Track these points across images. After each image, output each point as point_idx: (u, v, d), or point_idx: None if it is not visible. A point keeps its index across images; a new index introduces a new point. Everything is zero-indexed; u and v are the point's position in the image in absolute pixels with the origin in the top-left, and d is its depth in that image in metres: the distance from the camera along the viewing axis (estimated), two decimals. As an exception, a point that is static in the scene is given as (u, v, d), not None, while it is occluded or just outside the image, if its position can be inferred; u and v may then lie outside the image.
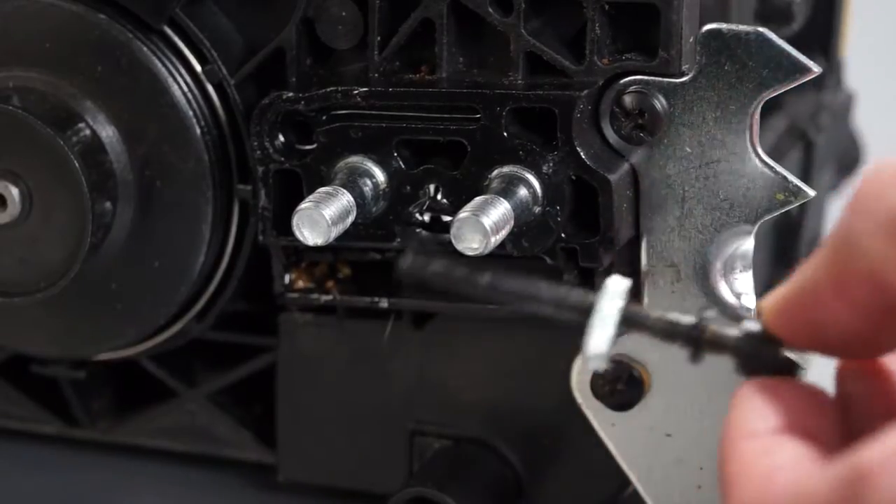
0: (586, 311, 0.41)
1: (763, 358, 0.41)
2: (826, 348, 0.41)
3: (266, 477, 0.67)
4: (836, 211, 0.88)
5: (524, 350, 0.61)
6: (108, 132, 0.61)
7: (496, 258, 0.56)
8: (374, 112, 0.58)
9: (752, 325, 0.41)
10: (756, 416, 0.40)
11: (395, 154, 0.58)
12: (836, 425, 0.41)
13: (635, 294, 0.56)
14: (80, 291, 0.62)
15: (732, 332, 0.41)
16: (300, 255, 0.62)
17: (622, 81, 0.56)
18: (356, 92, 0.58)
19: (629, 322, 0.41)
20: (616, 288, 0.41)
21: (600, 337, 0.41)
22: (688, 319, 0.41)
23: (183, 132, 0.61)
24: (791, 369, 0.41)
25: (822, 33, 0.81)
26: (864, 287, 0.39)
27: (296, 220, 0.56)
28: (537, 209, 0.56)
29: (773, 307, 0.42)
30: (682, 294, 0.57)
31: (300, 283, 0.62)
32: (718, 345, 0.41)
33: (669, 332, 0.41)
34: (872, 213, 0.39)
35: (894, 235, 0.38)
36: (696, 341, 0.41)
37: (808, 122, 0.79)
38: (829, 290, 0.40)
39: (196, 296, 0.64)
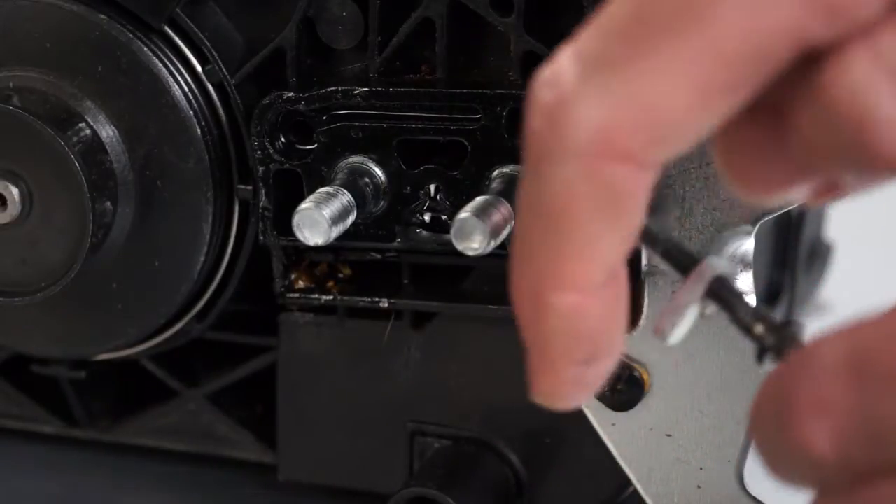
0: (686, 271, 0.39)
1: None
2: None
3: (266, 477, 0.67)
4: (835, 211, 0.88)
5: (524, 350, 0.61)
6: (108, 132, 0.61)
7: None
8: (374, 112, 0.58)
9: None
10: None
11: (396, 154, 0.58)
12: None
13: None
14: (80, 291, 0.62)
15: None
16: (300, 255, 0.62)
17: (622, 81, 0.56)
18: (356, 92, 0.58)
19: (719, 301, 0.38)
20: (716, 267, 0.39)
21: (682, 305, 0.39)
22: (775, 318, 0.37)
23: (183, 132, 0.61)
24: None
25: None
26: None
27: (296, 220, 0.56)
28: (537, 209, 0.56)
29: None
30: (682, 294, 0.57)
31: (300, 283, 0.62)
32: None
33: (748, 328, 0.38)
34: None
35: None
36: (777, 347, 0.36)
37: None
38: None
39: (196, 296, 0.64)
